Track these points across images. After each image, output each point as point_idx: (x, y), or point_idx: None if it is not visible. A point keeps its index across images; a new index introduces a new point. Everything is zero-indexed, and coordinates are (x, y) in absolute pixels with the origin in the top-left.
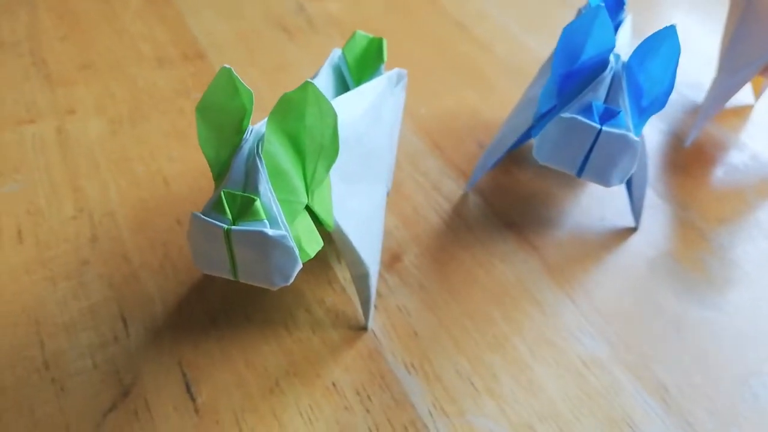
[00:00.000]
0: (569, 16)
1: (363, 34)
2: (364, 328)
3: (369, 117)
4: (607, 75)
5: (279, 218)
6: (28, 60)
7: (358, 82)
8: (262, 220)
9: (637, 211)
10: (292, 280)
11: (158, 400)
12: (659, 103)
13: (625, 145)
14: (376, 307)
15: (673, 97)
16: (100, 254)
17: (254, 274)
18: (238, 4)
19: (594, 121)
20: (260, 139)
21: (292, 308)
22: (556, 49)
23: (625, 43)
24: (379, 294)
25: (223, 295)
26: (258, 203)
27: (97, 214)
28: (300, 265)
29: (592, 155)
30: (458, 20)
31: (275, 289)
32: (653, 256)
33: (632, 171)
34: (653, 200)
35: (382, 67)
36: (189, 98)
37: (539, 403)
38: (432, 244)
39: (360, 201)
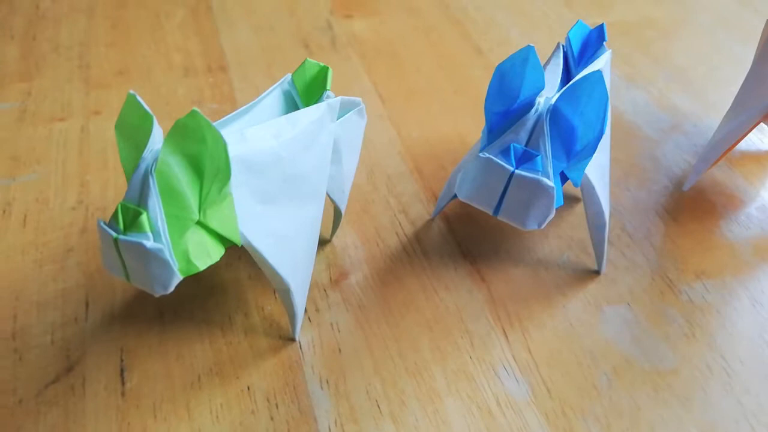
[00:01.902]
0: None
1: (312, 62)
2: (292, 339)
3: (297, 142)
4: (531, 117)
5: (162, 232)
6: (75, 63)
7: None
8: (146, 232)
9: (598, 255)
10: (170, 290)
11: (94, 380)
12: (590, 149)
13: (538, 190)
14: (310, 320)
15: (679, 137)
16: (84, 244)
17: (140, 280)
18: (272, 20)
19: (510, 163)
20: (156, 159)
21: (232, 311)
22: (489, 87)
23: None
24: (316, 309)
25: (177, 292)
26: (144, 217)
27: (92, 208)
28: (178, 277)
29: (506, 197)
30: (477, 45)
31: (157, 296)
32: (609, 303)
33: (550, 215)
34: (628, 243)
35: (325, 94)
36: (202, 107)
37: None
38: (383, 265)
39: (281, 221)
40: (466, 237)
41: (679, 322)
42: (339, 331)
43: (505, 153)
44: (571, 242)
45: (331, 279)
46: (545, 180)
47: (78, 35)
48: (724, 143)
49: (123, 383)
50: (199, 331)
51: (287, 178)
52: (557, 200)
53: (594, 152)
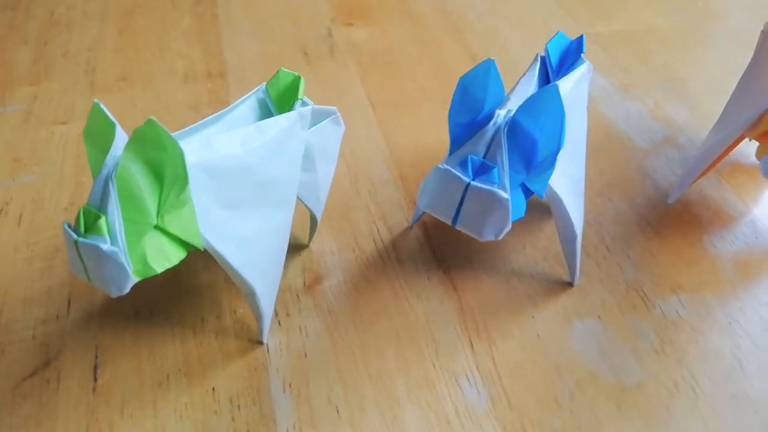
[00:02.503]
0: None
1: (286, 72)
2: (261, 342)
3: (265, 150)
4: (489, 130)
5: (119, 236)
6: (82, 68)
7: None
8: (103, 236)
9: (570, 266)
10: (126, 291)
11: (69, 375)
12: (549, 162)
13: (493, 201)
14: (280, 324)
15: (671, 150)
16: None
17: (98, 281)
18: (275, 27)
19: (466, 175)
20: (117, 165)
21: (205, 313)
22: (452, 98)
23: (566, 94)
24: (287, 313)
25: (154, 292)
26: (102, 221)
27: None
28: (133, 279)
29: (463, 208)
30: (474, 54)
31: (113, 296)
32: (579, 316)
33: (507, 227)
34: (605, 255)
35: (297, 103)
36: (198, 113)
37: None
38: (357, 271)
39: (247, 226)
40: (443, 245)
41: (649, 336)
42: (307, 336)
43: (463, 164)
44: (547, 253)
45: (305, 284)
46: (500, 192)
47: (87, 41)
48: (709, 156)
49: (95, 379)
50: (172, 331)
51: (255, 185)
52: (518, 212)
53: (553, 165)
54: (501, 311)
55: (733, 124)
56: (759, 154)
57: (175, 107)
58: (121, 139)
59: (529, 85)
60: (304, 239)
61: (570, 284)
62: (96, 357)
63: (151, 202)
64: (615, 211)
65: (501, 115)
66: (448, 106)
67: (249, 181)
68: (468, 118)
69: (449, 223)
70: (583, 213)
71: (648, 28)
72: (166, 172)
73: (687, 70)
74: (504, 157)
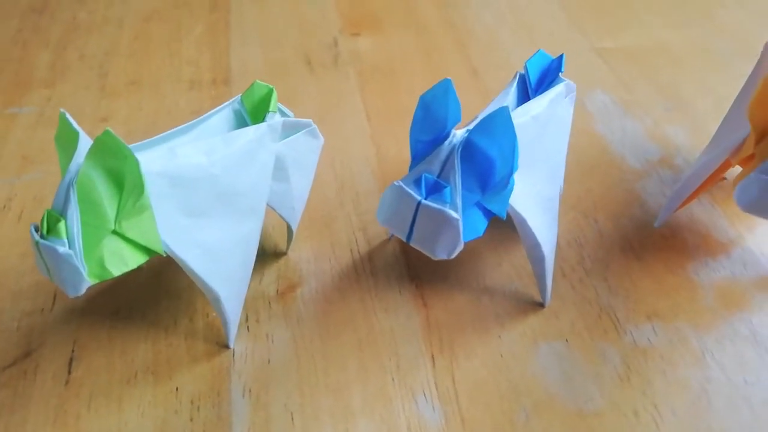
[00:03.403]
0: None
1: (261, 84)
2: (227, 347)
3: (231, 160)
4: (444, 149)
5: (76, 240)
6: (96, 72)
7: None
8: (62, 239)
9: (540, 287)
10: (81, 292)
11: (45, 367)
12: (502, 183)
13: (443, 221)
14: (248, 330)
15: (665, 171)
16: None
17: (58, 281)
18: (283, 36)
19: (419, 193)
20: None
21: (180, 315)
22: (414, 116)
23: (539, 113)
24: (257, 319)
25: (135, 292)
26: (62, 224)
27: None
28: (88, 282)
29: (416, 225)
30: (475, 67)
31: (70, 297)
32: (546, 337)
33: (459, 246)
34: (582, 277)
35: (269, 115)
36: None
37: None
38: (330, 282)
39: (212, 233)
40: (418, 260)
41: (615, 363)
42: (273, 343)
43: (417, 182)
44: (523, 272)
45: (278, 291)
46: (450, 212)
47: (104, 45)
48: (696, 180)
49: (69, 373)
50: (146, 330)
51: (220, 194)
52: (474, 231)
53: (507, 186)
54: (468, 329)
55: (719, 148)
56: (736, 180)
57: (178, 113)
58: (84, 146)
59: (501, 103)
60: (284, 246)
61: (541, 305)
62: (72, 351)
63: (110, 208)
64: (599, 232)
65: (457, 134)
66: None
67: (213, 190)
68: (430, 136)
69: (404, 239)
70: (555, 233)
71: (658, 45)
72: (126, 179)
73: (693, 89)
74: (457, 177)
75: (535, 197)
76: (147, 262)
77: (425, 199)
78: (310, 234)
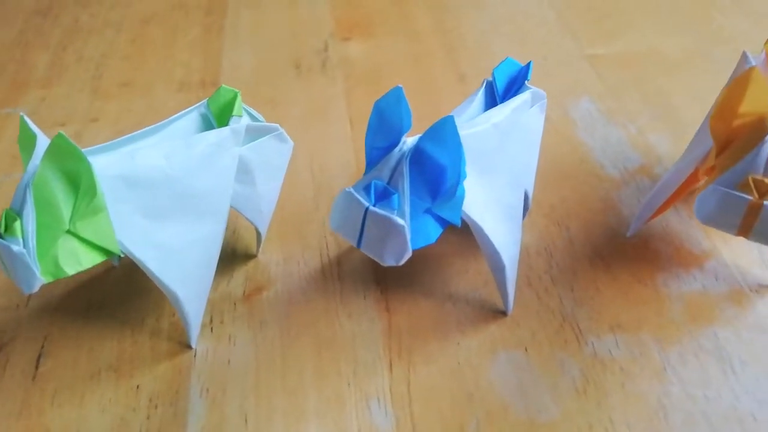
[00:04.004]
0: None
1: (227, 88)
2: (189, 347)
3: (190, 163)
4: (394, 156)
5: (30, 239)
6: (91, 74)
7: None
8: (17, 237)
9: (502, 296)
10: (35, 290)
11: (15, 362)
12: (451, 191)
13: (390, 227)
14: (212, 331)
15: (644, 180)
16: None
17: (14, 279)
18: (274, 39)
19: (367, 199)
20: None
21: (146, 314)
22: (368, 122)
23: (500, 120)
24: (222, 321)
25: (109, 290)
26: (17, 224)
27: None
28: (41, 280)
29: (365, 231)
30: (463, 73)
31: (25, 294)
32: (506, 346)
33: (406, 253)
34: (547, 286)
35: (233, 119)
36: None
37: None
38: (297, 285)
39: (170, 234)
40: (386, 267)
41: (573, 374)
42: (234, 345)
43: (366, 189)
44: (489, 279)
45: (244, 293)
46: (397, 219)
47: (102, 48)
48: (667, 189)
49: (37, 368)
50: (114, 328)
51: (179, 196)
52: (424, 239)
53: (456, 194)
54: (429, 335)
55: (689, 157)
56: (697, 191)
57: (166, 114)
58: (41, 148)
59: (464, 111)
60: (254, 249)
61: (504, 313)
62: (42, 347)
63: (65, 209)
64: (569, 241)
65: (408, 142)
66: (420, 123)
67: (172, 192)
68: (384, 143)
69: (354, 245)
70: (518, 241)
71: (650, 51)
72: (82, 181)
73: (682, 97)
74: (405, 184)
75: (494, 204)
76: (122, 260)
77: (374, 205)
78: (282, 236)
